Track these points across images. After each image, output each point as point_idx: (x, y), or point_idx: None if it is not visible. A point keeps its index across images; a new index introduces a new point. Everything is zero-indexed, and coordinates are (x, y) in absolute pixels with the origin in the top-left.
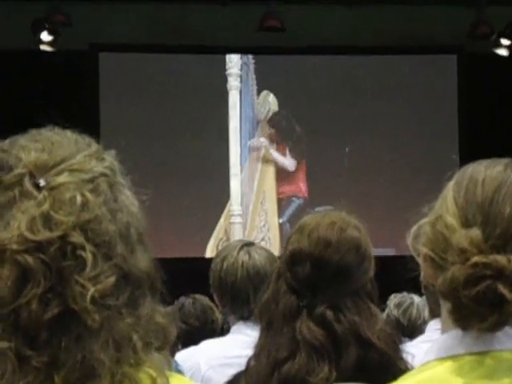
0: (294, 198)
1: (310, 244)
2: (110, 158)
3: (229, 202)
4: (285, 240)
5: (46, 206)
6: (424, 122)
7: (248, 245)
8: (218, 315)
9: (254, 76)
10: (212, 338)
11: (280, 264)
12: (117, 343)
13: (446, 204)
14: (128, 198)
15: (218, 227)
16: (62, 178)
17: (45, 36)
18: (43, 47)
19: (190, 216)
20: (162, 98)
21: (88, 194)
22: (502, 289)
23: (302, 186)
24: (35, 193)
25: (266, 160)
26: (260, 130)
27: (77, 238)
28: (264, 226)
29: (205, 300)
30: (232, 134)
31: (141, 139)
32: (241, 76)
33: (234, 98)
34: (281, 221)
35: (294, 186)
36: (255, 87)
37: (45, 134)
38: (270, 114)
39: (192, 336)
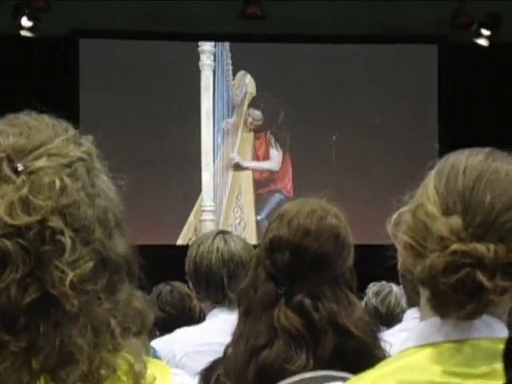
0: (275, 193)
1: (290, 232)
2: (88, 143)
3: (200, 197)
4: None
5: (24, 191)
6: (405, 112)
7: (224, 232)
8: (196, 303)
9: (229, 54)
10: (190, 326)
11: (259, 251)
12: (95, 328)
13: (427, 192)
14: (105, 183)
15: (186, 225)
16: (40, 163)
17: (25, 21)
18: (23, 33)
19: (161, 205)
20: (142, 84)
21: (66, 179)
22: (480, 277)
23: (285, 179)
24: (13, 177)
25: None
26: (236, 115)
27: (56, 222)
28: (239, 223)
29: (183, 288)
30: (204, 118)
31: (119, 126)
32: (215, 54)
33: (206, 79)
34: (259, 218)
35: (275, 179)
36: (230, 67)
37: (22, 118)
38: (248, 97)
39: (169, 324)
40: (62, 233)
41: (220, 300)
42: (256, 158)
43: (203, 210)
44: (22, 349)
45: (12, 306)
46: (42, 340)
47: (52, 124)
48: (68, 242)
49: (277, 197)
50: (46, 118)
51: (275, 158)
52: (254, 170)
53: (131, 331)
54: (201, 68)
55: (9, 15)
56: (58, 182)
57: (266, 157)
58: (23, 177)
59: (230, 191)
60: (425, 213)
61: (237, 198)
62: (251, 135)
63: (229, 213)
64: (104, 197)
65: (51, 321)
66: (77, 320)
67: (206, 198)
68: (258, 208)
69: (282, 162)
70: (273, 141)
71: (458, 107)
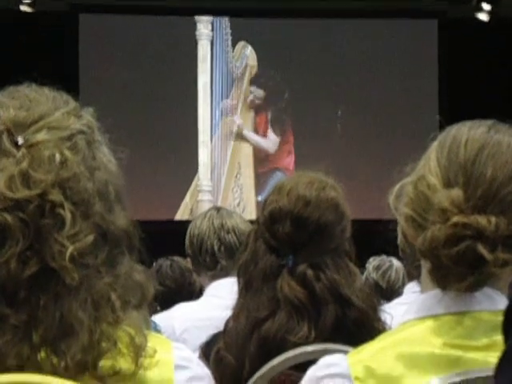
0: (276, 171)
1: (290, 202)
2: (88, 115)
3: (196, 176)
4: None
5: (24, 164)
6: (406, 86)
7: (219, 208)
8: (196, 278)
9: (228, 24)
10: (189, 300)
11: (257, 226)
12: (95, 302)
13: (429, 164)
14: (106, 156)
15: (182, 206)
16: (40, 136)
17: None
18: (23, 8)
19: (157, 183)
20: (142, 59)
21: (66, 152)
22: (481, 249)
23: (288, 158)
24: (13, 150)
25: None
26: (235, 90)
27: (56, 196)
28: (239, 204)
29: (183, 262)
30: (201, 92)
31: (119, 102)
32: (212, 23)
33: (204, 50)
34: (259, 198)
35: (277, 157)
36: (230, 37)
37: (22, 90)
38: (248, 70)
39: (170, 298)
40: (61, 206)
41: (211, 267)
42: (256, 127)
43: (199, 190)
44: (22, 322)
45: (12, 279)
46: (42, 313)
47: (52, 97)
48: (68, 215)
49: (278, 175)
50: (46, 90)
51: (272, 141)
52: (253, 146)
53: (131, 304)
54: (198, 38)
55: None
56: (58, 156)
57: (265, 136)
58: (23, 150)
59: (229, 170)
60: (426, 185)
61: (236, 177)
62: (251, 113)
63: (227, 192)
64: (104, 170)
65: (51, 294)
66: (77, 293)
67: (203, 177)
68: (259, 188)
69: (285, 142)
70: (273, 122)
71: (459, 81)
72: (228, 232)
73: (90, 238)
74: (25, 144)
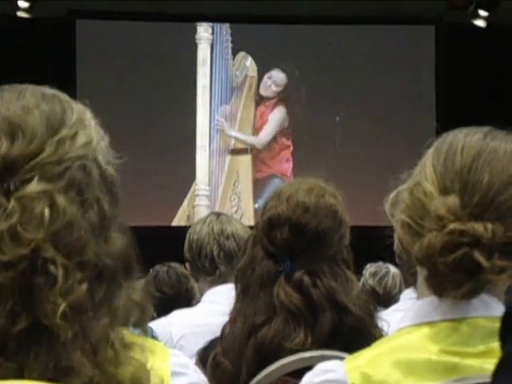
0: (274, 179)
1: (289, 209)
2: (84, 114)
3: (194, 181)
4: None
5: (14, 220)
6: (403, 92)
7: (219, 213)
8: (194, 284)
9: (228, 31)
10: (186, 306)
11: (256, 231)
12: (94, 346)
13: (425, 171)
14: (105, 169)
15: (179, 212)
16: (32, 187)
17: (21, 2)
18: (20, 14)
19: (154, 189)
20: (139, 66)
21: (59, 200)
22: (478, 256)
23: (284, 164)
24: (3, 201)
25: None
26: (235, 99)
27: (47, 252)
28: (236, 211)
29: (180, 268)
30: (200, 96)
31: (117, 108)
32: (212, 27)
33: (203, 53)
34: (257, 206)
35: (275, 164)
36: (230, 44)
37: (13, 109)
38: (248, 80)
39: (166, 304)
40: (53, 263)
41: (210, 272)
42: (255, 134)
43: (197, 195)
44: (13, 369)
45: (0, 333)
46: (34, 362)
47: (46, 116)
48: (60, 272)
49: (276, 182)
50: (40, 105)
51: (262, 136)
52: (251, 156)
53: (130, 323)
54: (197, 41)
55: None
56: (47, 211)
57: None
58: (13, 203)
59: (227, 178)
60: (422, 191)
61: (234, 185)
62: (252, 111)
63: (225, 200)
64: (100, 190)
65: (44, 347)
66: (73, 343)
67: (201, 182)
68: (256, 195)
69: (283, 148)
70: (272, 120)
71: (456, 88)
72: (228, 238)
73: (84, 286)
74: (15, 194)
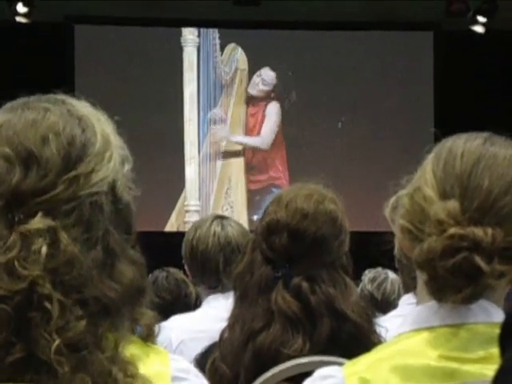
0: (272, 188)
1: (288, 215)
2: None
3: (183, 195)
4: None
5: (12, 254)
6: (402, 98)
7: (222, 217)
8: (192, 289)
9: (216, 30)
10: (185, 311)
11: (255, 236)
12: (95, 381)
13: (425, 176)
14: (121, 192)
15: (167, 226)
16: (35, 224)
17: (20, 7)
18: (19, 19)
19: (143, 197)
20: (137, 71)
21: (63, 236)
22: (478, 261)
23: (281, 172)
24: (6, 233)
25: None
26: (224, 97)
27: (44, 288)
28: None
29: (179, 274)
30: (188, 103)
31: (115, 113)
32: (199, 29)
33: (189, 57)
34: (255, 217)
35: (271, 172)
36: (218, 41)
37: (26, 136)
38: (239, 74)
39: (165, 310)
40: (49, 298)
41: (214, 285)
42: (247, 134)
43: (187, 211)
44: None
45: None
46: None
47: (64, 148)
48: (56, 308)
49: (274, 193)
50: (60, 133)
51: (265, 135)
52: (245, 162)
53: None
54: (183, 44)
55: (4, 1)
56: (44, 248)
57: (257, 133)
58: (14, 236)
59: (219, 185)
60: (422, 196)
61: (226, 193)
62: (243, 109)
63: (217, 211)
64: (110, 222)
65: (43, 378)
66: (72, 376)
67: (190, 196)
68: (251, 206)
69: (280, 156)
70: (269, 115)
71: (454, 93)
72: (233, 251)
73: (83, 323)
74: (18, 228)
